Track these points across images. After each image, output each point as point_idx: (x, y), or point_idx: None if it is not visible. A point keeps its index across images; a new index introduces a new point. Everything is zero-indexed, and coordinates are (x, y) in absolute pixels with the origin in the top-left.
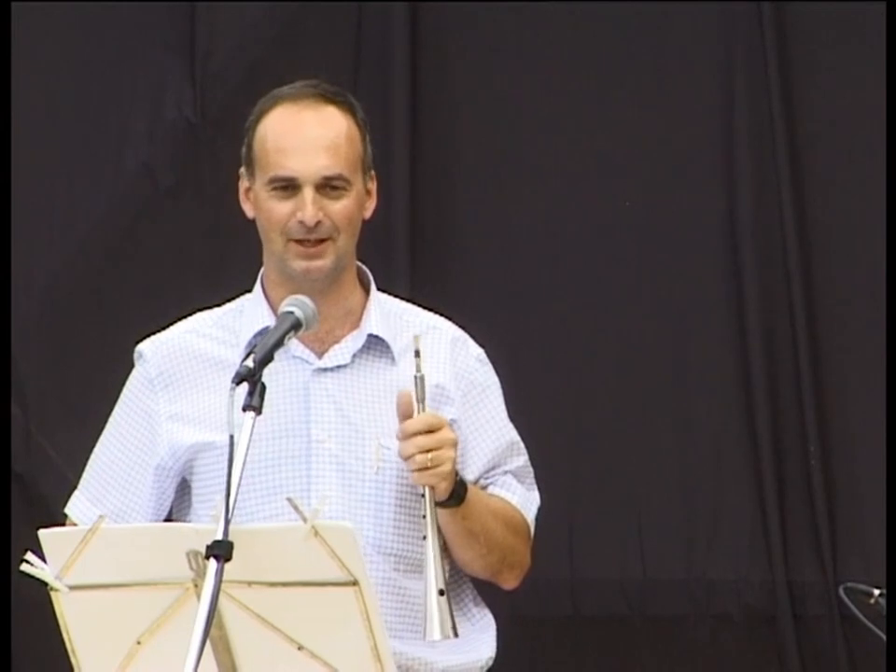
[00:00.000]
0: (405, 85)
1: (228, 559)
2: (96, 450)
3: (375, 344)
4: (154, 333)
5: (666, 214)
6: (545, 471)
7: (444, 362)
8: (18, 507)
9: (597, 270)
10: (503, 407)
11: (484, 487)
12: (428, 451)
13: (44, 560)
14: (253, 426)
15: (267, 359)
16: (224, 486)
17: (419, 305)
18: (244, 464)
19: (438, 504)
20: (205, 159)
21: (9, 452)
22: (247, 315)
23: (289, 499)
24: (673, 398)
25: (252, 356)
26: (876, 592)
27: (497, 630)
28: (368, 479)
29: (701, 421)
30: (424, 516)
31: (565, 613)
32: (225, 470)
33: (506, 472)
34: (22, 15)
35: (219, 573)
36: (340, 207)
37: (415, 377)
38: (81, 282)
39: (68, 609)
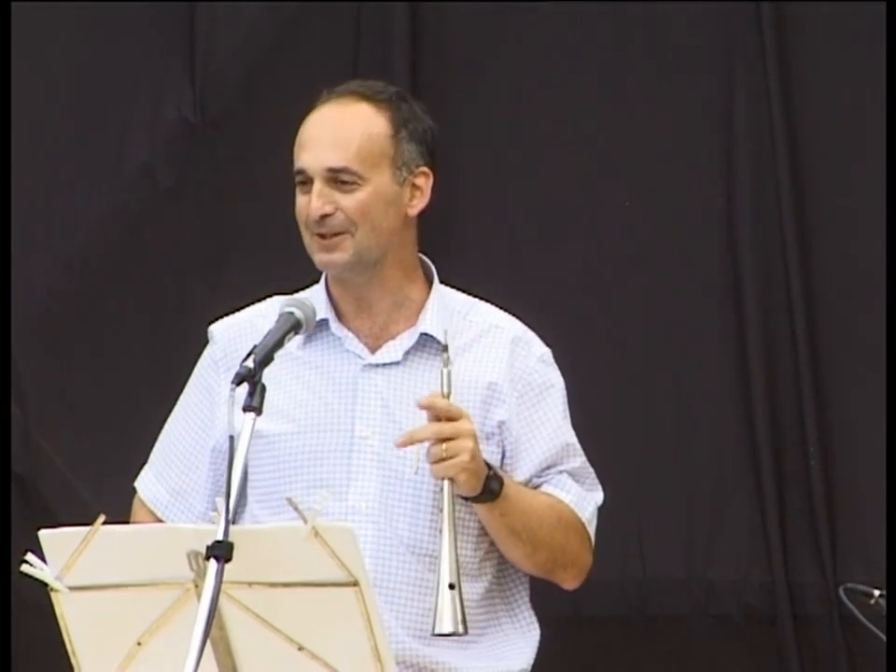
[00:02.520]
0: (405, 85)
1: (228, 560)
2: (165, 427)
3: (430, 343)
4: (162, 332)
5: (666, 214)
6: None
7: (501, 362)
8: (17, 507)
9: (597, 270)
10: (563, 408)
11: (538, 486)
12: (444, 441)
13: (44, 560)
14: (253, 426)
15: (267, 360)
16: (277, 480)
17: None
18: (244, 465)
19: (472, 500)
20: (205, 159)
21: (9, 452)
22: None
23: (289, 499)
24: (673, 398)
25: (252, 356)
26: (876, 592)
27: None
28: (407, 478)
29: (701, 421)
30: (441, 509)
31: (565, 613)
32: (270, 462)
33: (561, 472)
34: (22, 15)
35: (220, 574)
36: (352, 201)
37: (441, 371)
38: (81, 282)
39: (68, 610)
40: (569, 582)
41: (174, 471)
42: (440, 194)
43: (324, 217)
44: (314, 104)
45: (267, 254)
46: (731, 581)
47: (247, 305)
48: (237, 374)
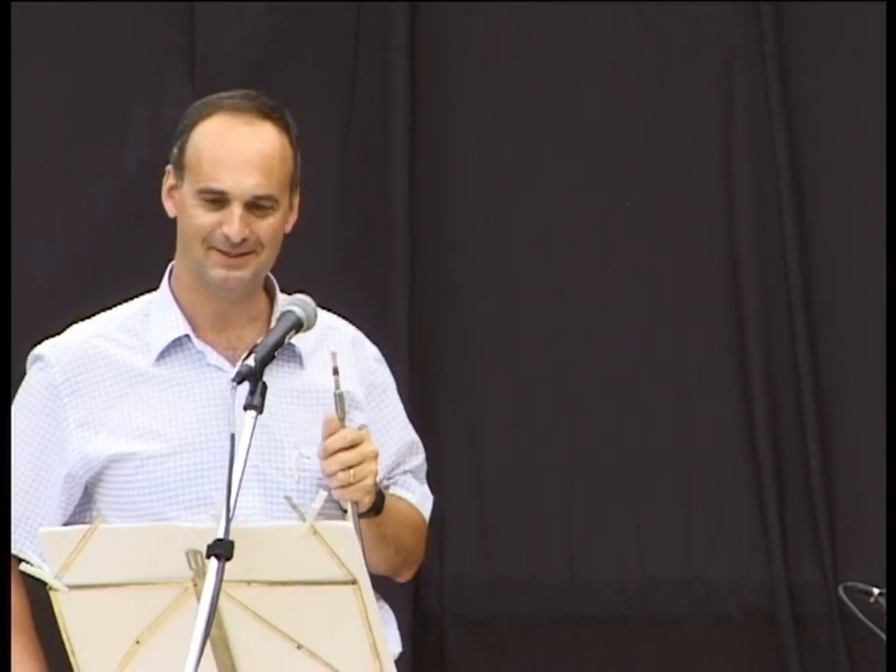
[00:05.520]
0: (404, 85)
1: (229, 558)
2: None
3: (281, 350)
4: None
5: (666, 214)
6: (545, 471)
7: (349, 365)
8: None
9: (597, 270)
10: (401, 406)
11: (386, 487)
12: (350, 467)
13: (43, 559)
14: (254, 425)
15: (268, 359)
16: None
17: (413, 306)
18: (244, 463)
19: (361, 515)
20: None
21: (9, 452)
22: (155, 319)
23: (287, 498)
24: (673, 398)
25: (253, 355)
26: (876, 591)
27: (495, 630)
28: (288, 488)
29: (701, 421)
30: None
31: (565, 613)
32: (144, 483)
33: (405, 472)
34: (22, 15)
35: (220, 572)
36: (265, 225)
37: (335, 394)
38: (81, 282)
39: (68, 609)
40: (407, 577)
41: (16, 500)
42: (438, 193)
43: (243, 240)
44: (204, 112)
45: None
46: (731, 580)
47: None
48: (238, 373)
